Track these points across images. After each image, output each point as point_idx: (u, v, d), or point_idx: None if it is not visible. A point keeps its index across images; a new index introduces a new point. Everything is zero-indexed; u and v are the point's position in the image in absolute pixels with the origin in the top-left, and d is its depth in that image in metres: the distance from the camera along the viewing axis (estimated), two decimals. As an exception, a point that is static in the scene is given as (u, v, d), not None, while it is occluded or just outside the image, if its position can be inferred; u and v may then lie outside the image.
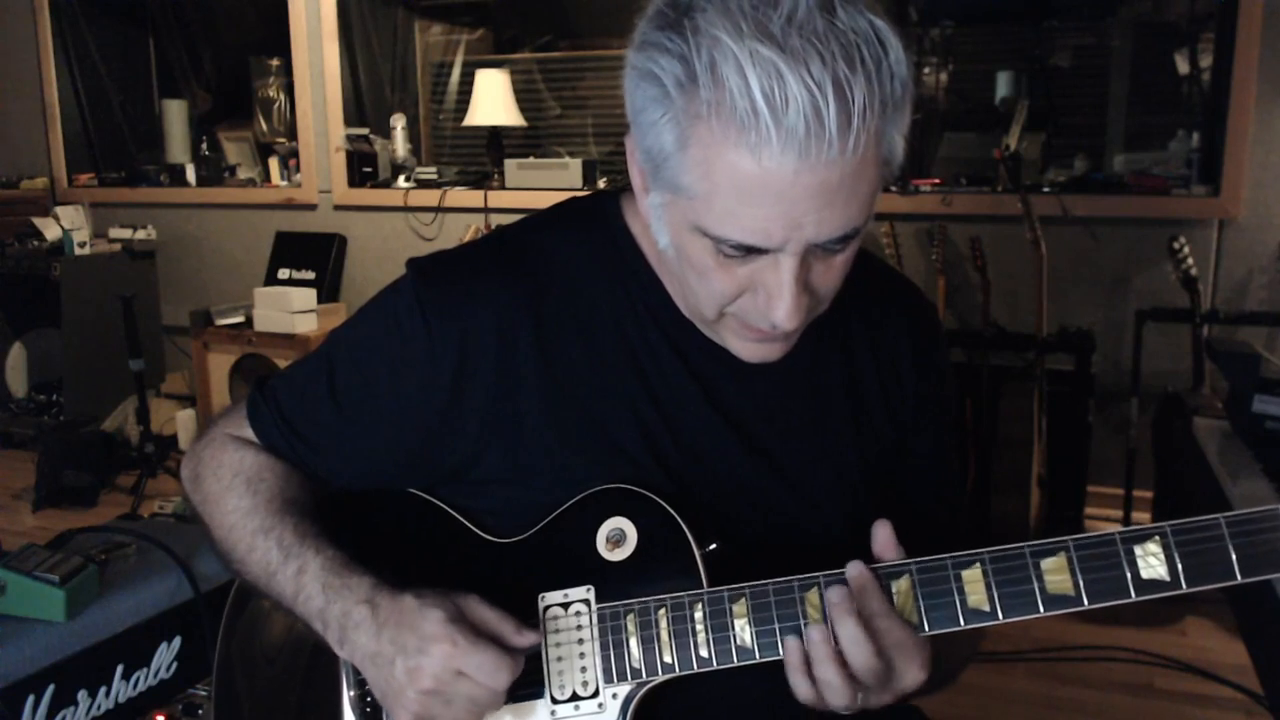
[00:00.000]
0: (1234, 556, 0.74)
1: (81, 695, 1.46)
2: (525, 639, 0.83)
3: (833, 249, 0.78)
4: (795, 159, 0.70)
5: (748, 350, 0.86)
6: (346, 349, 0.96)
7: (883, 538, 0.82)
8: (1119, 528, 0.78)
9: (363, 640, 0.84)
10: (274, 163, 4.47)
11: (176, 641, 1.61)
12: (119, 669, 1.52)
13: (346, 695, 0.93)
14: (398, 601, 0.84)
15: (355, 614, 0.85)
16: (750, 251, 0.76)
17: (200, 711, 1.68)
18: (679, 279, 0.87)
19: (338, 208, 4.27)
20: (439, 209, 4.01)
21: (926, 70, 3.79)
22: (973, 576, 0.78)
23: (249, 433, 0.99)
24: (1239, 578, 0.74)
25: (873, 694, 0.80)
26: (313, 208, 4.32)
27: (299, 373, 0.99)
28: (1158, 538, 0.76)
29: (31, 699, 1.38)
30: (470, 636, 0.80)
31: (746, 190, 0.72)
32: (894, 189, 3.43)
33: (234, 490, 0.95)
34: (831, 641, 0.78)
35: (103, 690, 1.49)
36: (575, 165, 3.82)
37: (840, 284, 0.82)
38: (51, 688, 1.41)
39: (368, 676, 0.86)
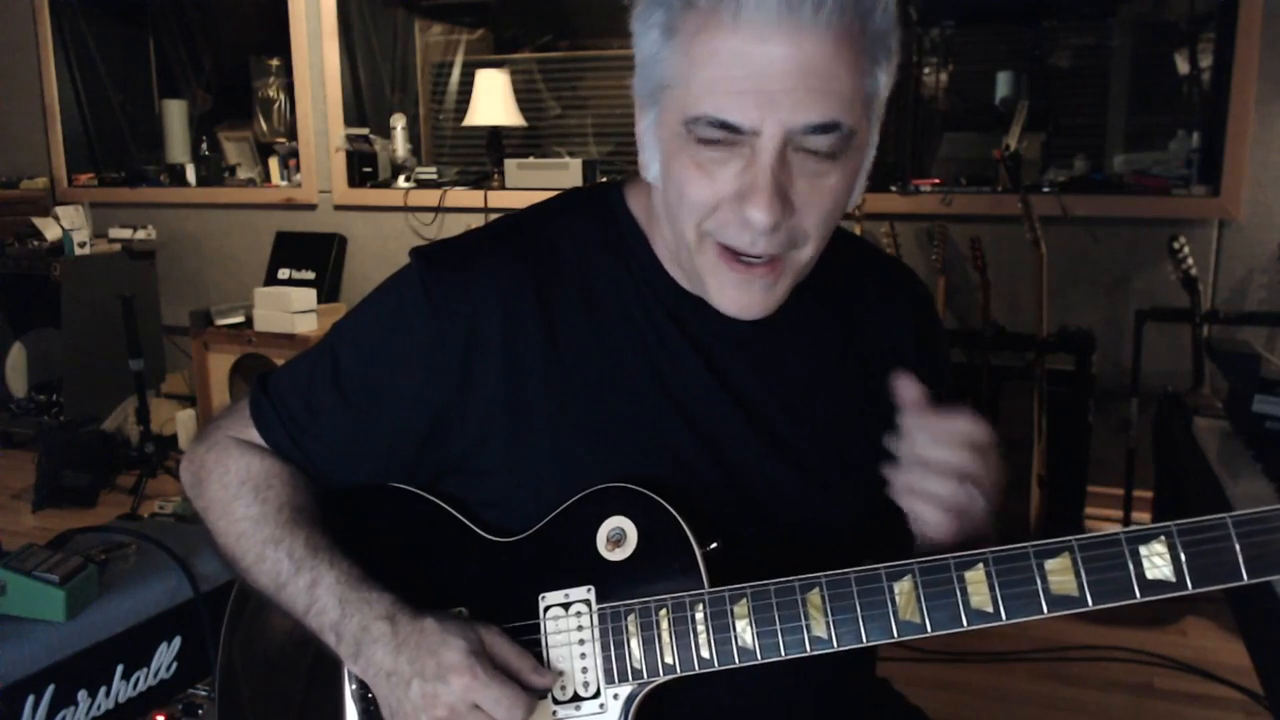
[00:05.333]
0: (1240, 557, 0.73)
1: (81, 695, 1.45)
2: (543, 679, 0.84)
3: (816, 150, 0.78)
4: (771, 20, 0.74)
5: (728, 295, 0.85)
6: (351, 340, 0.96)
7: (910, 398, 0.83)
8: (1119, 527, 0.77)
9: (379, 656, 0.84)
10: (274, 163, 4.47)
11: (176, 641, 1.60)
12: (119, 669, 1.51)
13: (348, 690, 0.93)
14: (418, 622, 0.84)
15: (374, 629, 0.85)
16: (728, 132, 0.77)
17: (200, 711, 1.68)
18: (668, 217, 0.86)
19: (338, 208, 4.27)
20: (439, 209, 4.01)
21: (926, 70, 3.79)
22: (975, 577, 0.78)
23: (253, 434, 0.98)
24: (1245, 578, 0.73)
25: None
26: (313, 208, 4.32)
27: (302, 367, 0.98)
28: (1163, 538, 0.75)
29: (31, 699, 1.38)
30: (490, 670, 0.81)
31: (725, 59, 0.76)
32: (894, 189, 3.44)
33: (241, 498, 0.94)
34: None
35: (103, 690, 1.49)
36: (575, 165, 3.82)
37: (829, 220, 0.83)
38: (51, 688, 1.41)
39: (378, 693, 0.86)
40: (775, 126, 0.76)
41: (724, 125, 0.77)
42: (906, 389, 0.83)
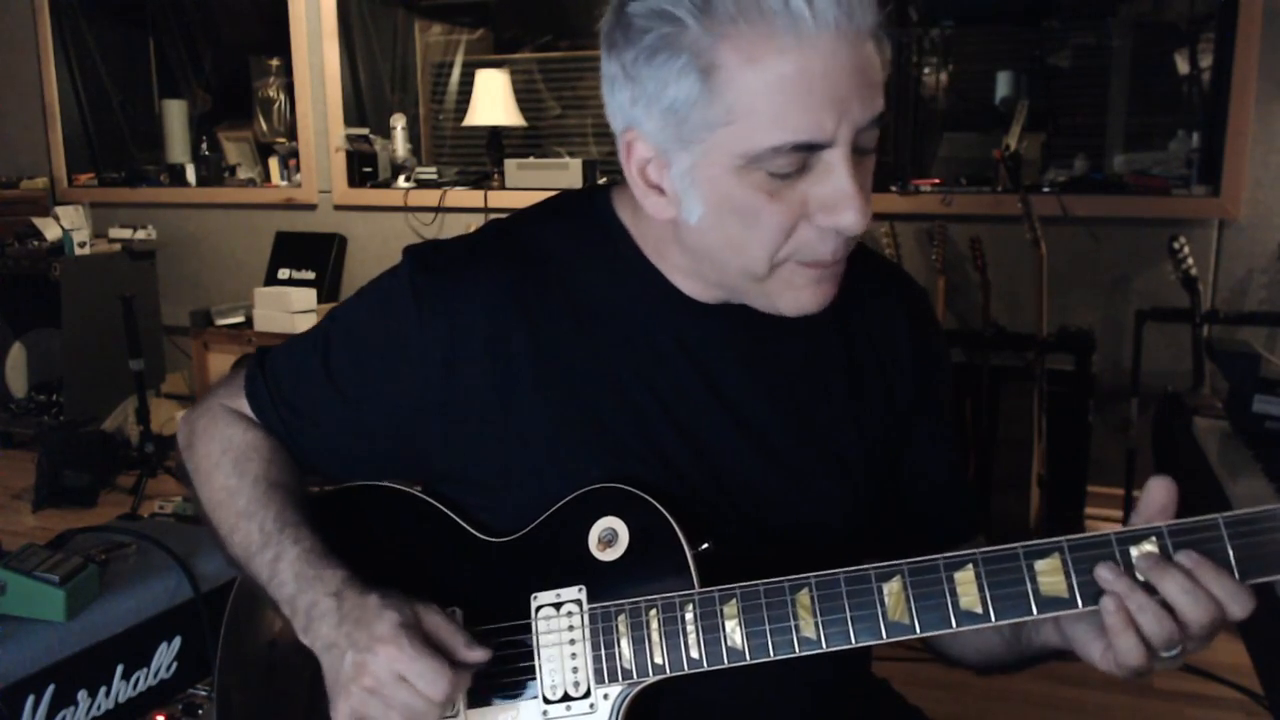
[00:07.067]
0: (1233, 557, 0.73)
1: (81, 695, 1.45)
2: (474, 654, 0.84)
3: (867, 148, 0.80)
4: (831, 32, 0.74)
5: (802, 299, 0.85)
6: (343, 329, 0.98)
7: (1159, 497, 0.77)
8: (1118, 528, 0.77)
9: (324, 630, 0.85)
10: (274, 163, 4.47)
11: (176, 641, 1.60)
12: (119, 669, 1.51)
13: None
14: (362, 599, 0.85)
15: (322, 605, 0.86)
16: (805, 152, 0.77)
17: (200, 711, 1.67)
18: (716, 251, 0.85)
19: (338, 208, 4.27)
20: (439, 209, 4.02)
21: (926, 70, 3.79)
22: (965, 578, 0.77)
23: (244, 405, 1.00)
24: (1237, 580, 0.73)
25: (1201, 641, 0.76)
26: (313, 208, 4.32)
27: (297, 350, 1.00)
28: (1154, 539, 0.75)
29: (31, 699, 1.38)
30: (417, 644, 0.81)
31: (792, 80, 0.74)
32: (894, 189, 3.43)
33: (221, 468, 0.96)
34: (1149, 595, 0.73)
35: (103, 690, 1.49)
36: (575, 165, 3.82)
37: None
38: (51, 688, 1.41)
39: (324, 665, 0.87)
40: (848, 131, 0.77)
41: (805, 147, 0.77)
42: (1158, 491, 0.76)
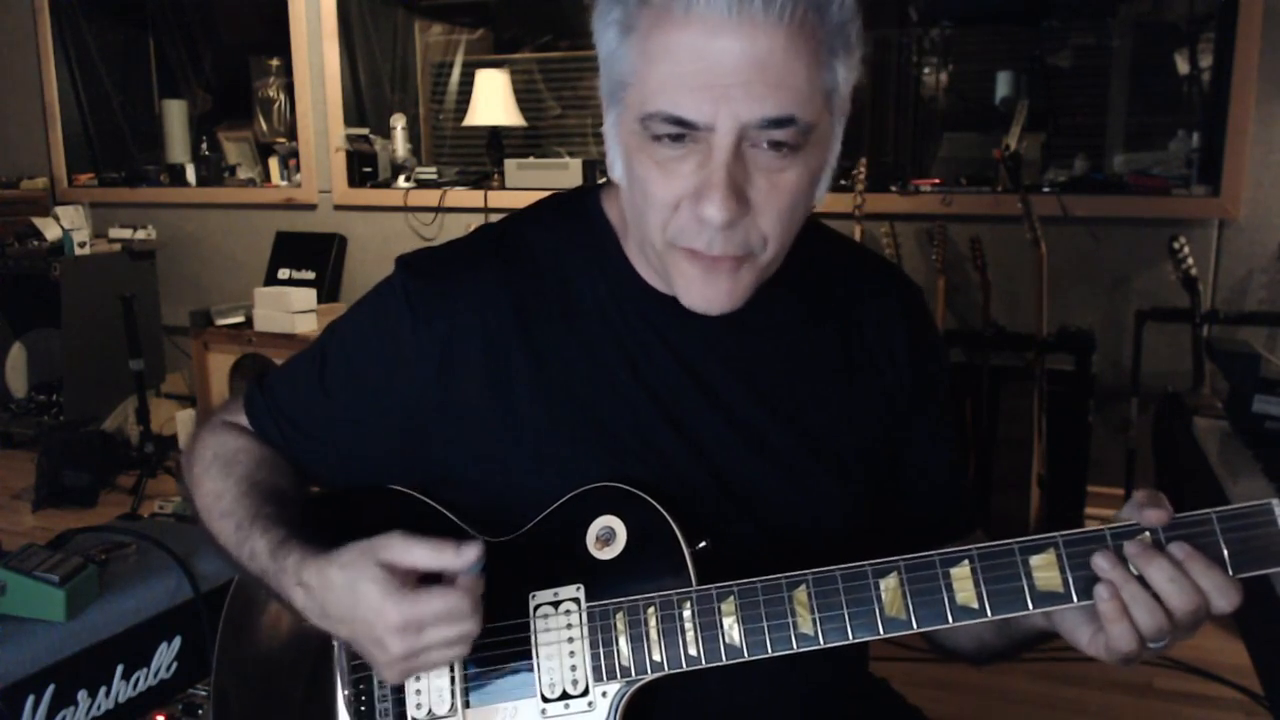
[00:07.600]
0: (1225, 552, 0.74)
1: (81, 695, 1.45)
2: (465, 555, 0.78)
3: (773, 146, 0.78)
4: (723, 14, 0.74)
5: (694, 292, 0.84)
6: (339, 342, 0.99)
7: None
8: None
9: (315, 620, 0.85)
10: (274, 163, 4.47)
11: (176, 641, 1.60)
12: (119, 669, 1.51)
13: (341, 695, 0.93)
14: (325, 576, 0.83)
15: (296, 598, 0.86)
16: (682, 128, 0.77)
17: (200, 711, 1.68)
18: (634, 218, 0.87)
19: (338, 208, 4.27)
20: (439, 209, 4.02)
21: (926, 70, 3.79)
22: (961, 574, 0.78)
23: (242, 419, 1.02)
24: (1230, 574, 0.74)
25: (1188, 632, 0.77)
26: (313, 208, 4.32)
27: (294, 366, 1.02)
28: (1148, 534, 0.76)
29: (31, 699, 1.38)
30: (411, 596, 0.78)
31: (678, 54, 0.76)
32: (894, 189, 3.44)
33: (210, 473, 0.98)
34: (1141, 586, 0.74)
35: (103, 690, 1.49)
36: (575, 165, 3.82)
37: (789, 219, 0.82)
38: (51, 688, 1.41)
39: (348, 645, 0.86)
40: (729, 121, 0.76)
41: (678, 121, 0.77)
42: (1152, 514, 0.76)
